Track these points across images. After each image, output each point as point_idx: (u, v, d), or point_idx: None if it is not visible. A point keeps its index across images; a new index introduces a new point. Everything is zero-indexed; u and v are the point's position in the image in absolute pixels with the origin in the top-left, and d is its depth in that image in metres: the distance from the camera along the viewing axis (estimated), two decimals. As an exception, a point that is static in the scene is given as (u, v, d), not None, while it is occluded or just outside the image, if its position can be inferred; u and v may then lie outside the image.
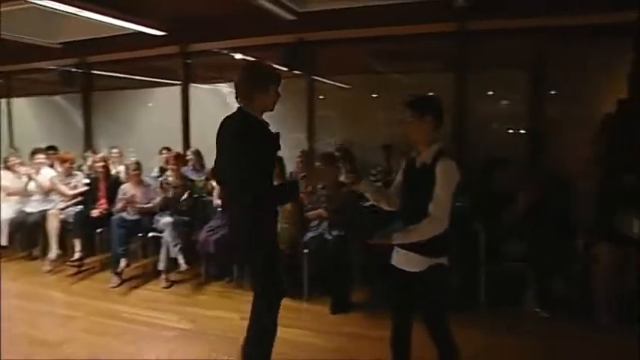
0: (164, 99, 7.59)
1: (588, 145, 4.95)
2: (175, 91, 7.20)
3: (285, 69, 6.18)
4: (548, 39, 5.60)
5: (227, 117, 2.75)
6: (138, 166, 5.43)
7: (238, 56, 6.87)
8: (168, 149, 6.33)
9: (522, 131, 6.05)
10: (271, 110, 2.78)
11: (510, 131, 6.28)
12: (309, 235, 4.66)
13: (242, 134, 2.59)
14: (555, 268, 4.14)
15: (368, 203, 5.00)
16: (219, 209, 5.12)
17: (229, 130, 2.69)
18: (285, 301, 4.49)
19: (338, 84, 6.74)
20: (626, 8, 5.10)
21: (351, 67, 6.64)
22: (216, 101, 7.39)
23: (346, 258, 4.51)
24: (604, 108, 5.34)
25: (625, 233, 2.84)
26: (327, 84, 6.73)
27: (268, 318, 2.82)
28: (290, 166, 5.68)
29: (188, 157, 6.32)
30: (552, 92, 5.90)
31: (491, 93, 6.30)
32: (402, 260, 2.66)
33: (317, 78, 6.61)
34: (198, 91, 7.30)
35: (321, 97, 6.76)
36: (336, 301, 4.36)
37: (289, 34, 6.13)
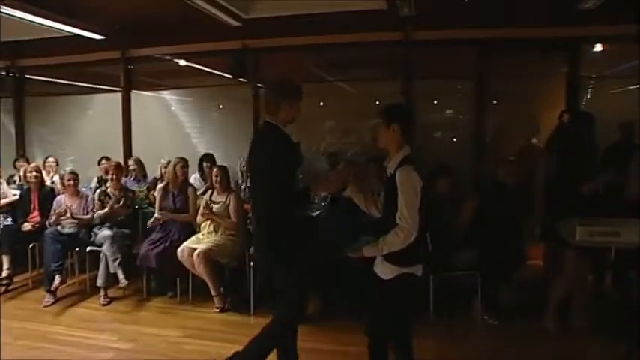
0: (105, 106, 7.26)
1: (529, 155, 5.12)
2: (117, 98, 6.92)
3: (229, 76, 6.06)
4: (491, 50, 5.75)
5: (257, 131, 3.04)
6: (73, 176, 5.14)
7: (182, 62, 6.69)
8: (107, 159, 6.04)
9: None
10: (291, 123, 2.96)
11: (455, 140, 6.41)
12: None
13: (267, 144, 2.84)
14: (502, 274, 4.19)
15: (315, 213, 4.98)
16: (160, 222, 4.92)
17: (260, 141, 2.96)
18: (232, 316, 4.50)
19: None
20: (563, 24, 5.34)
21: (297, 75, 6.57)
22: (159, 109, 7.17)
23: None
24: (544, 118, 5.55)
25: (566, 239, 2.90)
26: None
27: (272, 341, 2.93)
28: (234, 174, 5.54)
29: (130, 167, 6.08)
30: (494, 102, 6.05)
31: (435, 102, 6.40)
32: (378, 266, 2.69)
33: (263, 86, 6.51)
34: (141, 98, 7.04)
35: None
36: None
37: (234, 40, 6.01)
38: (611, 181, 3.67)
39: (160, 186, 5.05)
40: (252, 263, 4.44)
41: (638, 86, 5.79)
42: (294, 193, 2.88)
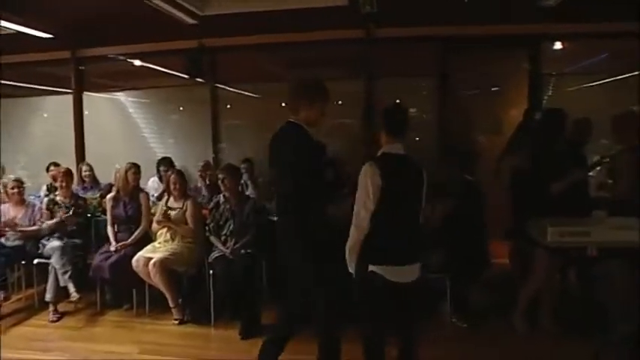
0: (56, 109, 6.89)
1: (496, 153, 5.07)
2: (69, 101, 6.58)
3: (186, 77, 5.82)
4: (454, 47, 5.69)
5: (279, 130, 2.99)
6: (17, 183, 4.80)
7: (137, 63, 6.40)
8: (56, 164, 5.70)
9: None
10: (314, 126, 2.93)
11: (417, 139, 6.30)
12: (215, 254, 4.32)
13: (289, 142, 2.86)
14: (470, 276, 4.11)
15: (276, 218, 4.79)
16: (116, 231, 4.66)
17: (281, 139, 2.96)
18: (192, 329, 4.27)
19: (246, 93, 6.45)
20: (525, 21, 5.32)
21: (257, 74, 6.38)
22: (114, 111, 6.85)
23: (255, 278, 4.23)
24: (507, 115, 5.52)
25: (537, 240, 2.83)
26: (236, 93, 6.43)
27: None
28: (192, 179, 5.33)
29: (83, 173, 5.77)
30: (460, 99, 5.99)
31: (397, 101, 6.27)
32: None
33: (222, 86, 6.29)
34: (94, 100, 6.72)
35: (229, 106, 6.46)
36: (246, 325, 4.04)
37: (190, 39, 5.78)
38: (578, 180, 3.63)
39: (110, 195, 4.77)
40: (211, 272, 4.23)
41: (595, 84, 5.89)
42: (320, 187, 2.86)
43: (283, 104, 6.35)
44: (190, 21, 5.29)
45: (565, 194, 3.58)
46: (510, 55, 5.94)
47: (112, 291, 4.73)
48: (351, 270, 2.70)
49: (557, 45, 5.96)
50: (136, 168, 4.78)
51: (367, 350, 2.72)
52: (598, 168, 4.02)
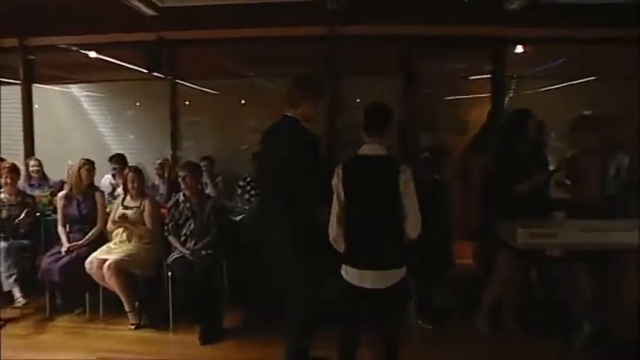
0: (4, 101, 6.49)
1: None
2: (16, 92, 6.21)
3: (145, 71, 5.59)
4: (418, 47, 5.69)
5: (273, 125, 3.02)
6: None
7: (93, 54, 6.10)
8: (1, 159, 5.35)
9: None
10: (311, 122, 2.95)
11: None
12: (174, 255, 4.15)
13: (289, 138, 2.86)
14: (435, 277, 4.09)
15: (238, 218, 4.67)
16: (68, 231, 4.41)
17: (277, 134, 2.98)
18: (149, 334, 4.06)
19: (206, 89, 6.26)
20: (490, 23, 5.37)
21: (218, 70, 6.20)
22: (66, 105, 6.52)
23: (215, 280, 4.08)
24: (472, 116, 5.56)
25: (507, 241, 2.83)
26: (195, 89, 6.23)
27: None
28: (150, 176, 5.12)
29: (31, 169, 5.45)
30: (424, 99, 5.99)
31: (358, 100, 6.23)
32: None
33: (181, 82, 6.08)
34: (46, 92, 6.37)
35: (187, 102, 6.26)
36: (206, 330, 3.89)
37: (149, 31, 5.54)
38: (542, 182, 3.66)
39: (62, 193, 4.50)
40: (170, 273, 4.05)
41: (552, 87, 6.03)
42: (317, 185, 2.86)
43: (243, 101, 6.37)
44: (150, 12, 5.07)
45: (527, 195, 3.59)
46: (474, 57, 5.99)
47: (63, 295, 4.45)
48: None
49: (519, 48, 6.05)
50: (90, 165, 4.53)
51: (338, 349, 2.74)
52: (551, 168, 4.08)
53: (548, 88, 6.12)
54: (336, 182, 2.67)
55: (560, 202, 3.82)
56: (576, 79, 6.04)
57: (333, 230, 2.69)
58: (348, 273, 2.65)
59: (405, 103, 5.85)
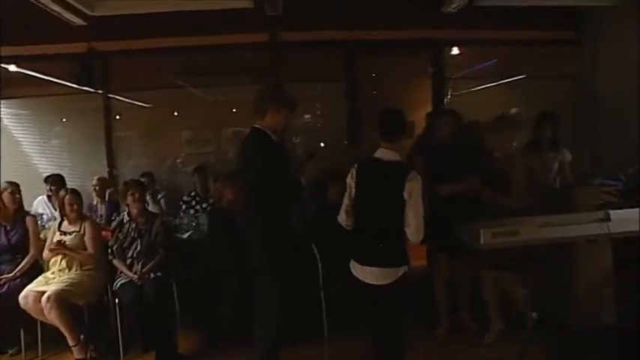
0: None
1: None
2: None
3: (74, 85, 5.23)
4: (359, 52, 5.69)
5: (246, 137, 3.07)
6: None
7: (13, 68, 5.63)
8: None
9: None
10: (280, 133, 3.00)
11: (322, 144, 6.23)
12: (120, 281, 3.87)
13: (254, 150, 2.93)
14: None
15: (186, 235, 4.45)
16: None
17: (245, 146, 3.04)
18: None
19: (137, 102, 5.97)
20: (426, 26, 5.47)
21: (150, 82, 5.90)
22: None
23: (167, 304, 3.85)
24: (415, 118, 5.60)
25: (470, 243, 2.83)
26: (126, 102, 5.92)
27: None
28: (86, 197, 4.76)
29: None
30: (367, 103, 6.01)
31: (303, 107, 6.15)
32: None
33: (112, 96, 5.76)
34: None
35: (118, 117, 5.93)
36: (162, 357, 3.66)
37: (79, 42, 5.20)
38: (468, 186, 3.73)
39: (-14, 221, 4.11)
40: (117, 300, 3.77)
41: (483, 87, 6.23)
42: (285, 190, 2.95)
43: (176, 113, 6.13)
44: (78, 22, 4.76)
45: (454, 198, 3.69)
46: (414, 59, 6.08)
47: (-5, 333, 4.04)
48: None
49: (455, 50, 6.20)
50: (12, 187, 4.12)
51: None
52: None
53: (481, 87, 6.32)
54: (349, 180, 2.86)
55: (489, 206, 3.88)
56: (507, 79, 6.27)
57: (342, 219, 2.93)
58: (354, 268, 2.82)
59: (348, 108, 5.84)
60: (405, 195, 2.63)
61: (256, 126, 2.98)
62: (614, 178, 4.12)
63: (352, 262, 2.83)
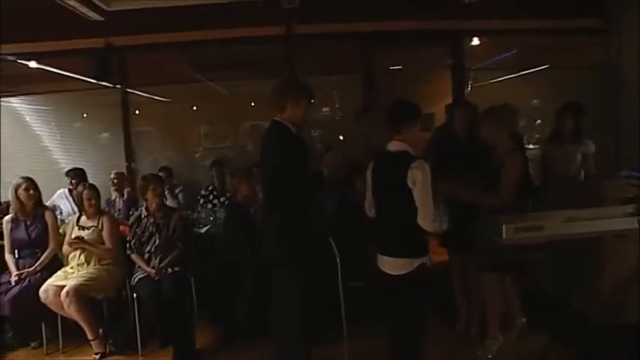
0: None
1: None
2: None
3: (92, 80, 5.25)
4: (376, 43, 5.60)
5: (266, 130, 3.05)
6: None
7: (33, 64, 5.68)
8: None
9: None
10: (300, 125, 2.98)
11: (341, 138, 6.17)
12: (138, 276, 3.88)
13: (274, 144, 2.91)
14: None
15: (204, 229, 4.44)
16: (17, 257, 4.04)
17: (266, 140, 3.01)
18: (117, 359, 3.79)
19: (156, 97, 5.97)
20: (445, 17, 5.35)
21: (168, 76, 5.90)
22: (8, 119, 6.06)
23: (185, 298, 3.85)
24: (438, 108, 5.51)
25: (493, 238, 2.76)
26: (145, 97, 5.93)
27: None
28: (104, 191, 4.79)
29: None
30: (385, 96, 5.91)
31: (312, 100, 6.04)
32: None
33: (131, 91, 5.77)
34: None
35: (137, 111, 5.95)
36: (179, 352, 3.65)
37: (96, 37, 5.20)
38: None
39: (7, 216, 4.13)
40: (135, 295, 3.78)
41: (503, 78, 6.10)
42: (306, 183, 2.94)
43: (195, 107, 6.12)
44: (95, 17, 4.76)
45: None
46: (433, 51, 5.97)
47: (15, 328, 4.07)
48: None
49: (475, 41, 6.07)
50: (28, 183, 4.08)
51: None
52: None
53: (502, 78, 6.19)
54: (367, 173, 2.90)
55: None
56: (529, 69, 6.13)
57: (367, 210, 2.97)
58: (377, 257, 2.85)
59: (366, 101, 5.76)
60: (409, 183, 2.60)
61: (276, 119, 2.96)
62: (642, 170, 3.98)
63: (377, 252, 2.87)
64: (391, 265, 2.74)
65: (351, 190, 4.04)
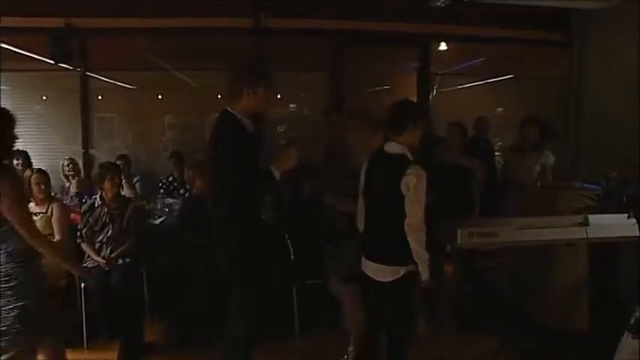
0: None
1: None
2: None
3: (51, 62, 5.05)
4: (345, 42, 5.59)
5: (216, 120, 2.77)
6: None
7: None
8: None
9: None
10: (259, 118, 2.74)
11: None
12: (87, 265, 3.75)
13: (220, 135, 2.66)
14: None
15: (158, 221, 4.33)
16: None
17: (212, 131, 2.78)
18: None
19: (120, 83, 5.80)
20: (414, 20, 5.40)
21: (133, 63, 5.75)
22: (-42, 98, 5.78)
23: (135, 291, 3.75)
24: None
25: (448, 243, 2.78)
26: (109, 82, 5.75)
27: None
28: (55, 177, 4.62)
29: None
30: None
31: (279, 96, 6.02)
32: None
33: (94, 75, 5.59)
34: None
35: (100, 97, 5.77)
36: (126, 346, 3.54)
37: (56, 17, 5.01)
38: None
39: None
40: (83, 285, 3.66)
41: (469, 85, 6.20)
42: (254, 177, 2.62)
43: (160, 97, 5.98)
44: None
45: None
46: (400, 53, 6.01)
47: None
48: None
49: (442, 46, 6.14)
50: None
51: None
52: None
53: (468, 85, 6.30)
54: (362, 172, 2.77)
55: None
56: (495, 78, 6.25)
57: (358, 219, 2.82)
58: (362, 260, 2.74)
59: (330, 100, 5.73)
60: (403, 189, 2.50)
61: (227, 108, 2.68)
62: (595, 182, 4.10)
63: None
64: (373, 271, 2.64)
65: (302, 189, 4.01)
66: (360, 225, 2.79)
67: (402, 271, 2.55)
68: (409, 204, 2.50)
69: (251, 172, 2.58)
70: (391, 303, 2.65)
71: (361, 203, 2.79)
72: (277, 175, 2.64)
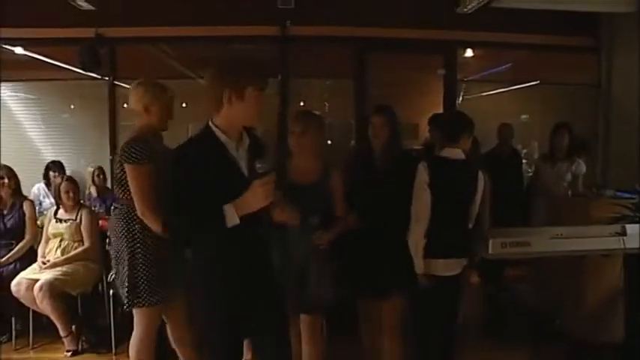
0: None
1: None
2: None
3: (80, 71, 5.15)
4: (370, 49, 5.57)
5: None
6: None
7: (19, 51, 5.56)
8: None
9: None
10: (254, 124, 2.16)
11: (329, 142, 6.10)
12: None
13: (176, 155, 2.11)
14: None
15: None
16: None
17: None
18: (90, 357, 3.68)
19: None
20: (440, 27, 5.36)
21: (159, 71, 5.80)
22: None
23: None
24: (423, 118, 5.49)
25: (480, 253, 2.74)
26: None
27: None
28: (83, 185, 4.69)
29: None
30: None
31: (302, 103, 6.02)
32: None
33: (120, 84, 5.67)
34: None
35: (125, 105, 5.85)
36: (156, 351, 3.55)
37: (86, 27, 5.10)
38: None
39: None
40: (111, 291, 3.69)
41: (496, 92, 6.12)
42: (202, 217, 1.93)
43: (184, 105, 6.04)
44: (86, 6, 4.67)
45: None
46: (426, 60, 5.96)
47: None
48: None
49: (469, 52, 6.08)
50: (4, 171, 4.02)
51: None
52: None
53: (494, 92, 6.22)
54: (422, 178, 2.78)
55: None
56: (521, 84, 6.16)
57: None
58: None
59: (356, 106, 5.72)
60: (479, 189, 2.79)
61: (209, 123, 2.07)
62: (629, 191, 4.00)
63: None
64: (444, 267, 2.75)
65: None
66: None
67: (464, 262, 2.78)
68: (478, 202, 2.78)
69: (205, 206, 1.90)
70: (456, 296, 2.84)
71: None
72: (233, 219, 1.90)
